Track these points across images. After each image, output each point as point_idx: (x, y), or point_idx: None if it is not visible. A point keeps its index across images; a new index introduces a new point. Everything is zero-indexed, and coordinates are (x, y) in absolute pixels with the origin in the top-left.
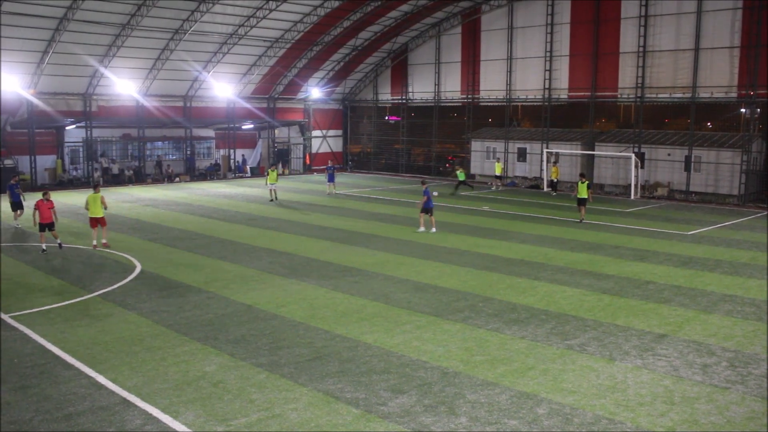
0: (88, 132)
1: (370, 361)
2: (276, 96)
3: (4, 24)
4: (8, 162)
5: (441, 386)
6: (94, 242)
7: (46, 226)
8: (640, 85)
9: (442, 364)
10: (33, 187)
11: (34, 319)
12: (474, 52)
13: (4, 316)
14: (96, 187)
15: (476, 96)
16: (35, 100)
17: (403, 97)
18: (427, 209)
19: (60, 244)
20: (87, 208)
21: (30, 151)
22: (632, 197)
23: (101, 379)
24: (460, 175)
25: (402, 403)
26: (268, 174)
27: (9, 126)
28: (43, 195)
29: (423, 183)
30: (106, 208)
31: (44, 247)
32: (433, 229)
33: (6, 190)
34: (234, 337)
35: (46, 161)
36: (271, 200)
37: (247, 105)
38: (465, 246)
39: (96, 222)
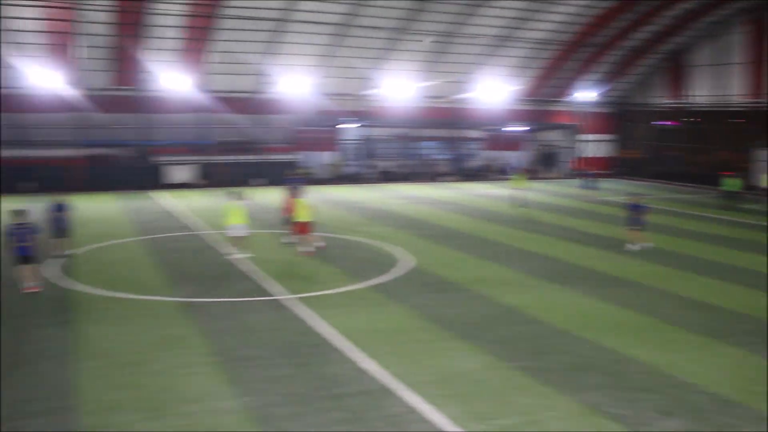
0: (363, 131)
1: (637, 378)
2: (544, 98)
3: (293, 31)
4: (289, 157)
5: (714, 414)
6: (316, 244)
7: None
8: None
9: (716, 391)
10: (315, 182)
11: (311, 303)
12: (761, 52)
13: (280, 298)
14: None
15: (765, 101)
16: (320, 101)
17: (680, 101)
18: (636, 224)
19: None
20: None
21: (313, 148)
22: None
23: (368, 364)
24: (731, 184)
25: (670, 426)
26: (515, 178)
27: (299, 124)
28: (293, 192)
29: (634, 196)
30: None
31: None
32: (638, 246)
33: (286, 183)
34: (497, 338)
35: (326, 158)
36: (517, 205)
37: (516, 107)
38: (743, 263)
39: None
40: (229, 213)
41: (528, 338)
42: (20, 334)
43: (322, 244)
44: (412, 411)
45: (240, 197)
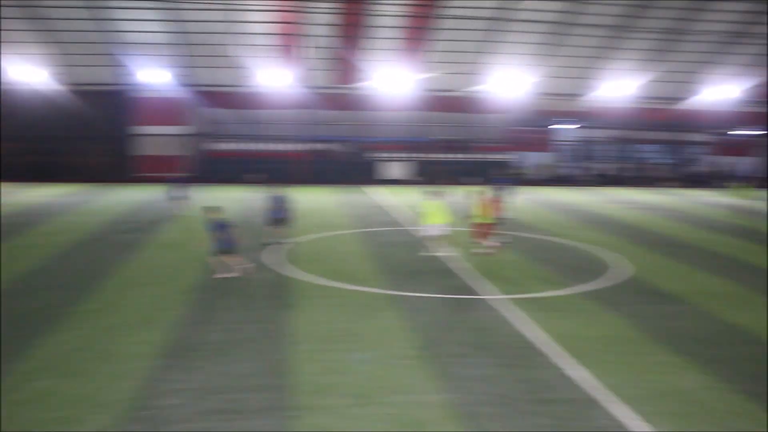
0: (580, 132)
1: None
2: None
3: (511, 30)
4: (503, 157)
5: None
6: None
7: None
8: None
9: None
10: (528, 183)
11: (519, 304)
12: None
13: (487, 297)
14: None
15: None
16: (536, 100)
17: None
18: None
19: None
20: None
21: (527, 148)
22: None
23: (576, 372)
24: None
25: None
26: (740, 186)
27: (514, 124)
28: (492, 192)
29: None
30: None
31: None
32: None
33: (493, 182)
34: (718, 357)
35: (540, 158)
36: (743, 215)
37: (747, 109)
38: None
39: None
40: (429, 212)
41: (752, 360)
42: (241, 314)
43: (497, 244)
44: (620, 425)
45: (440, 196)
